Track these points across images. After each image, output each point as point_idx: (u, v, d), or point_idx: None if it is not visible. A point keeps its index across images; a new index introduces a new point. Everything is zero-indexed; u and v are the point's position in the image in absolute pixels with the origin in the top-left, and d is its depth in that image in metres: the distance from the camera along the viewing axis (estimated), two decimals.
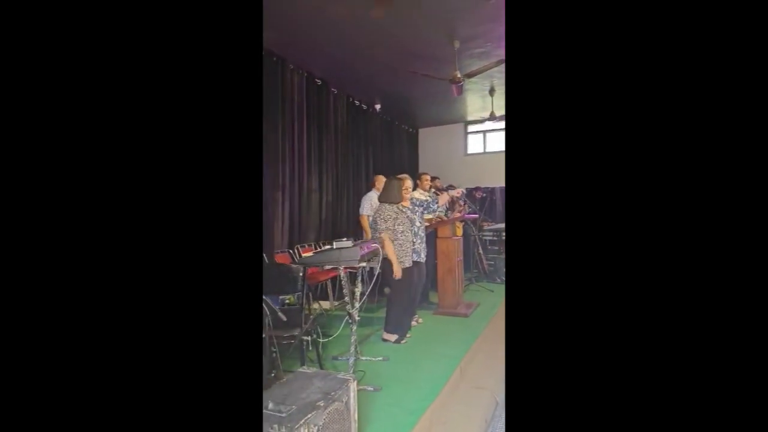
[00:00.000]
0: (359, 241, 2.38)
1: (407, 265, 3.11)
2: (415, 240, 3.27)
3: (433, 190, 4.78)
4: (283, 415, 1.30)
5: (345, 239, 2.06)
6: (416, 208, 3.38)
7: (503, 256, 5.81)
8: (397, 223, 3.07)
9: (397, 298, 3.12)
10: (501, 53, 4.23)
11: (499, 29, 3.78)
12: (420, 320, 3.63)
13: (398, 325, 3.14)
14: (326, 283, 4.23)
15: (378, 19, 2.51)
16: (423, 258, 3.38)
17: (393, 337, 3.12)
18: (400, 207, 3.16)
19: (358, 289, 2.54)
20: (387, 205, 3.11)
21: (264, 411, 1.35)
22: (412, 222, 3.24)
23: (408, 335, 3.20)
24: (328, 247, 2.19)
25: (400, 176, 3.29)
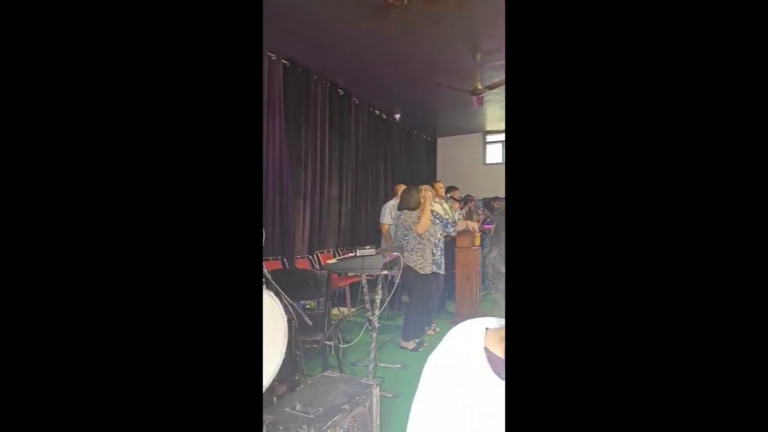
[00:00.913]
0: (381, 249, 2.44)
1: (426, 272, 3.16)
2: (435, 251, 3.32)
3: (450, 196, 4.81)
4: (311, 416, 1.36)
5: (368, 247, 2.11)
6: (436, 221, 3.43)
7: None
8: (422, 235, 3.15)
9: (415, 307, 3.16)
10: None
11: None
12: (437, 329, 3.66)
13: (416, 333, 3.18)
14: (344, 289, 4.29)
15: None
16: (443, 270, 3.44)
17: (411, 345, 3.16)
18: (418, 214, 3.22)
19: (378, 296, 2.59)
20: (407, 211, 3.19)
21: (291, 411, 1.41)
22: (432, 232, 3.31)
23: (425, 344, 3.24)
24: (351, 254, 2.25)
25: (420, 186, 3.36)
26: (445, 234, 3.79)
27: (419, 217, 3.18)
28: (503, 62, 4.25)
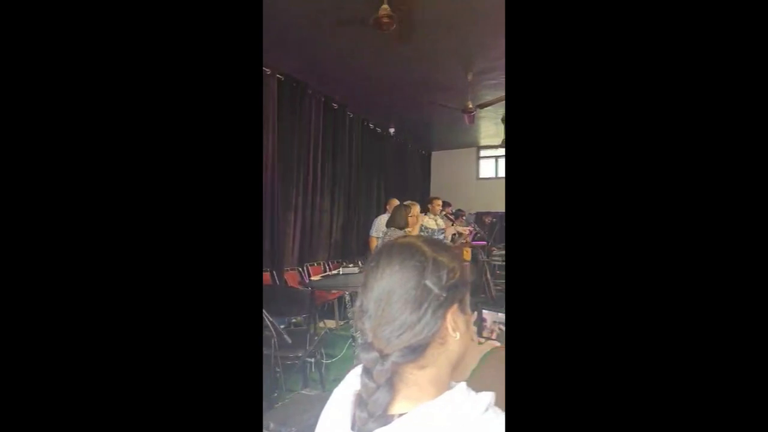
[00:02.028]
0: (364, 267, 2.46)
1: None
2: None
3: (444, 214, 4.85)
4: None
5: (351, 265, 2.14)
6: (421, 232, 3.47)
7: None
8: None
9: None
10: None
11: None
12: None
13: None
14: (333, 302, 4.29)
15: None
16: None
17: None
18: (407, 232, 3.24)
19: None
20: (394, 230, 3.20)
21: (264, 431, 1.42)
22: None
23: None
24: (335, 272, 2.27)
25: (407, 203, 3.39)
26: None
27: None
28: (495, 82, 4.33)
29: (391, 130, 6.39)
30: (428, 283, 0.52)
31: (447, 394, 0.51)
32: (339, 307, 4.28)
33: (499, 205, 7.35)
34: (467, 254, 5.12)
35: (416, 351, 0.51)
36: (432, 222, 4.08)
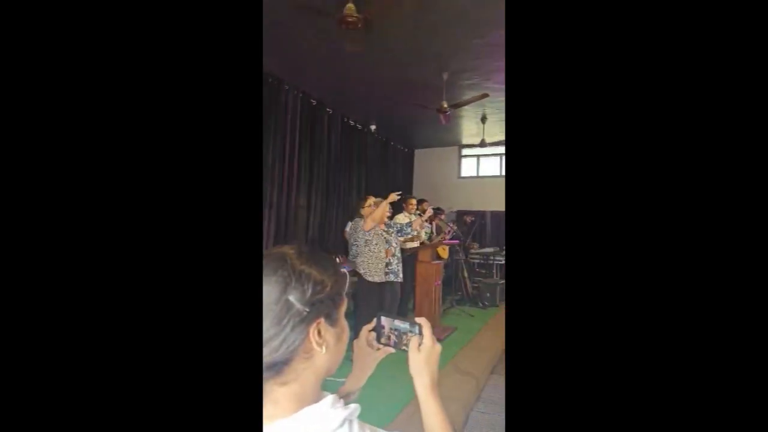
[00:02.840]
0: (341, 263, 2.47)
1: (376, 280, 3.28)
2: (392, 260, 3.40)
3: (419, 212, 4.88)
4: None
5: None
6: (391, 230, 3.52)
7: (488, 280, 5.85)
8: (369, 241, 3.27)
9: (361, 318, 3.20)
10: (489, 86, 4.36)
11: (487, 64, 3.92)
12: None
13: None
14: None
15: (355, 53, 2.63)
16: (400, 278, 3.53)
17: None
18: (363, 223, 3.31)
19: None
20: (356, 220, 3.30)
21: None
22: (388, 243, 3.40)
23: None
24: None
25: (376, 199, 3.45)
26: (404, 239, 3.89)
27: (364, 220, 3.32)
28: (470, 82, 4.34)
29: (372, 127, 6.37)
30: (291, 298, 0.52)
31: (304, 410, 0.51)
32: None
33: (480, 204, 7.40)
34: (444, 252, 5.16)
35: (274, 367, 0.51)
36: (403, 217, 4.14)
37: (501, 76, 4.14)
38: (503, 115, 5.74)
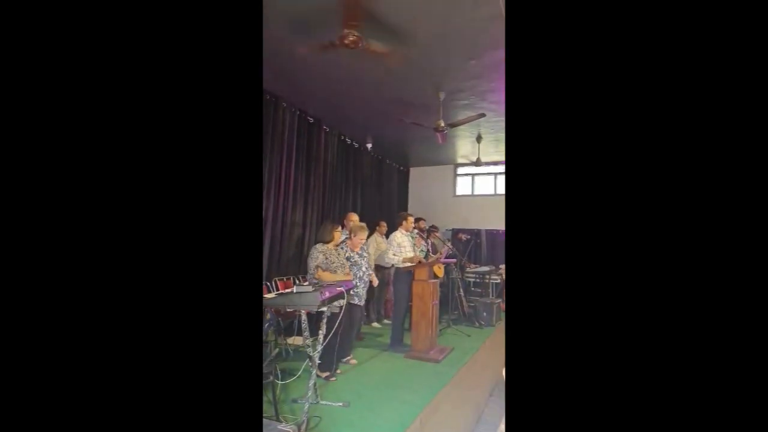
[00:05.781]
0: (318, 285, 2.43)
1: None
2: (359, 284, 3.47)
3: (416, 231, 4.86)
4: None
5: (306, 283, 2.10)
6: (363, 253, 3.53)
7: (485, 299, 5.80)
8: (329, 262, 3.24)
9: (331, 338, 3.17)
10: (484, 106, 4.42)
11: (482, 85, 3.97)
12: (353, 361, 3.64)
13: (329, 365, 3.18)
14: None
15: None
16: (362, 302, 3.64)
17: (324, 374, 3.15)
18: (330, 247, 3.29)
19: (322, 332, 2.56)
20: (319, 245, 3.25)
21: None
22: (357, 266, 3.49)
23: (338, 371, 3.26)
24: (288, 290, 2.23)
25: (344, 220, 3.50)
26: (409, 257, 3.93)
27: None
28: (466, 102, 4.40)
29: (369, 145, 6.41)
30: None
31: None
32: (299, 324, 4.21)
33: (475, 223, 7.42)
34: (440, 271, 5.13)
35: None
36: (400, 235, 4.14)
37: (496, 96, 4.20)
38: (498, 135, 5.80)
